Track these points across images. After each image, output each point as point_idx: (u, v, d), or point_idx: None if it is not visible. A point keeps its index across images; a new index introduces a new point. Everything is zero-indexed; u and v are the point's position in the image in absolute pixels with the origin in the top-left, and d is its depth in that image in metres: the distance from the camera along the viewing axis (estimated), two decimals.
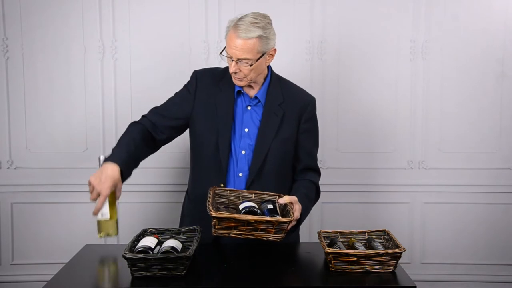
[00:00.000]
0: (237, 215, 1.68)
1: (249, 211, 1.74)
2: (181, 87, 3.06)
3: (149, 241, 1.72)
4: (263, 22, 1.88)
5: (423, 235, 3.20)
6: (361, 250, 1.71)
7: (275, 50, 1.94)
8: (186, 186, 3.02)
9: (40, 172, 3.12)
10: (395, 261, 1.68)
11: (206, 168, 2.01)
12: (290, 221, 1.71)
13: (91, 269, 1.75)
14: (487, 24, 3.06)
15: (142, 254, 1.60)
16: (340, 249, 1.70)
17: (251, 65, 1.87)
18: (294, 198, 1.85)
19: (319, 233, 1.87)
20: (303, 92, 2.10)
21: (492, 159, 3.14)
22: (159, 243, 1.75)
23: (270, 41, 1.89)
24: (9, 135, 3.11)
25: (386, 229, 1.88)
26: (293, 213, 1.79)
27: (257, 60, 1.87)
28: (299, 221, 1.88)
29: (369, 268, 1.67)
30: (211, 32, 3.07)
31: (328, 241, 1.81)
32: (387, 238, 1.84)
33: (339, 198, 3.15)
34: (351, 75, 3.10)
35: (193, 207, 2.10)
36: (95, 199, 1.70)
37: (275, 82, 2.03)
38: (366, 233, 1.88)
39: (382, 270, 1.67)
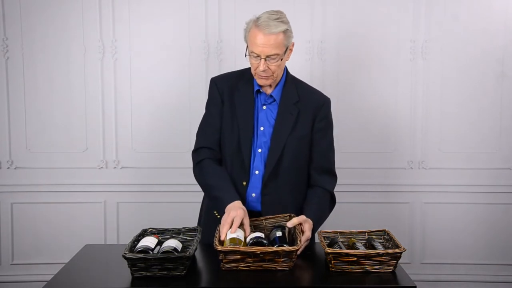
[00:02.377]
0: (242, 248, 1.65)
1: (255, 242, 1.71)
2: (180, 87, 3.09)
3: (149, 241, 1.72)
4: (283, 17, 1.92)
5: (423, 235, 3.20)
6: (361, 250, 1.71)
7: (293, 44, 1.98)
8: (184, 186, 3.03)
9: (40, 172, 3.13)
10: (395, 261, 1.68)
11: (230, 166, 2.02)
12: (297, 250, 1.69)
13: (91, 269, 1.75)
14: (487, 24, 3.06)
15: (142, 254, 1.60)
16: (340, 249, 1.70)
17: (281, 60, 1.90)
18: (302, 218, 1.85)
19: (319, 233, 1.87)
20: (318, 92, 2.11)
21: (492, 159, 3.14)
22: (159, 243, 1.75)
23: (291, 35, 1.94)
24: (9, 135, 3.11)
25: (386, 229, 1.88)
26: (302, 234, 1.80)
27: (284, 54, 1.91)
28: (312, 231, 1.90)
29: (369, 268, 1.66)
30: (211, 32, 3.07)
31: (328, 241, 1.81)
32: (387, 238, 1.84)
33: (339, 198, 3.08)
34: (351, 75, 3.11)
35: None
36: (235, 230, 1.76)
37: (290, 81, 2.05)
38: (366, 233, 1.88)
39: (382, 270, 1.67)
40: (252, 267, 1.66)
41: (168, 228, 1.91)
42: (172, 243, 1.70)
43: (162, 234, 1.88)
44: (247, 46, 1.93)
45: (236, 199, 1.88)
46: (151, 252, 1.66)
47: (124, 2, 3.05)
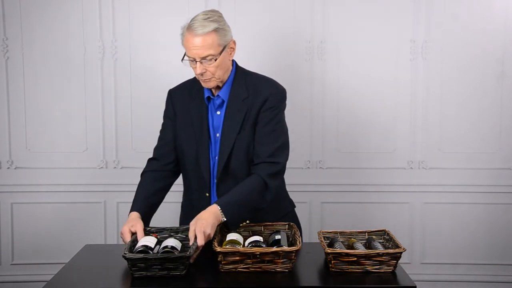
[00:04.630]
0: (241, 249, 1.65)
1: (254, 246, 1.71)
2: None
3: (149, 241, 1.72)
4: (214, 16, 1.86)
5: (423, 235, 3.20)
6: (361, 250, 1.71)
7: (234, 42, 1.90)
8: (181, 186, 3.03)
9: (40, 172, 3.13)
10: (395, 261, 1.67)
11: (191, 178, 1.99)
12: (297, 250, 1.66)
13: (91, 269, 1.75)
14: (487, 24, 3.06)
15: (142, 254, 1.60)
16: (340, 249, 1.70)
17: (215, 61, 1.82)
18: (192, 223, 1.74)
19: (319, 233, 1.87)
20: (270, 83, 1.95)
21: (492, 159, 3.14)
22: (158, 242, 1.75)
23: (227, 33, 1.86)
24: (9, 135, 3.11)
25: (386, 229, 1.88)
26: (300, 236, 1.75)
27: (220, 54, 1.83)
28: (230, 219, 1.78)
29: (369, 268, 1.66)
30: None
31: (328, 241, 1.81)
32: (387, 238, 1.84)
33: (339, 198, 3.15)
34: (351, 75, 3.10)
35: (183, 216, 2.11)
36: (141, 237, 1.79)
37: (239, 77, 1.93)
38: (366, 233, 1.88)
39: (382, 270, 1.67)
40: (251, 269, 1.66)
41: (167, 227, 1.91)
42: (172, 242, 1.70)
43: (160, 233, 1.87)
44: (185, 52, 1.86)
45: (135, 210, 1.90)
46: (151, 252, 1.66)
47: (124, 2, 3.05)
